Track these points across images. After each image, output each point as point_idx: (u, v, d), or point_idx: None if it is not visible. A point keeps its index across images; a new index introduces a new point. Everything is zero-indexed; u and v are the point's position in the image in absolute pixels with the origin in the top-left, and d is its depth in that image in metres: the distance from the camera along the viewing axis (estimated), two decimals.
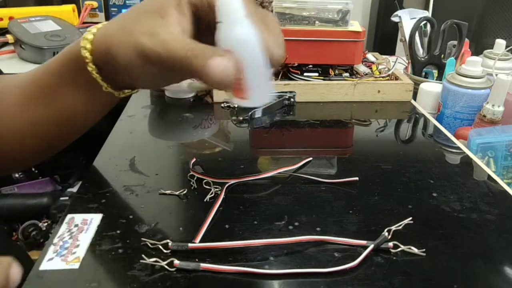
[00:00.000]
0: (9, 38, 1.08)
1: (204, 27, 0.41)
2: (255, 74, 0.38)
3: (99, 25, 0.42)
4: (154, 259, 0.42)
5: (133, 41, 0.37)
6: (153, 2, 0.39)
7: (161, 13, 0.38)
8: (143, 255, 0.42)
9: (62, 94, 0.45)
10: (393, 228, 0.46)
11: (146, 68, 0.38)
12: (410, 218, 0.47)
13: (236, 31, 0.36)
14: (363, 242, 0.46)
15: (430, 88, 0.87)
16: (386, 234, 0.46)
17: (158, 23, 0.37)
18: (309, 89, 0.84)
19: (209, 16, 0.40)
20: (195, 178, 0.57)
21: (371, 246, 0.45)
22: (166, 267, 0.42)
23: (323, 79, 0.86)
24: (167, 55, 0.36)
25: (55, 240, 0.45)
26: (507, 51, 0.91)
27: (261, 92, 0.40)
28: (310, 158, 0.64)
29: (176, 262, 0.42)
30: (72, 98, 0.45)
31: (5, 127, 0.47)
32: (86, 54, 0.40)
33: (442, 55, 0.96)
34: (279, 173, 0.59)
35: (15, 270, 0.29)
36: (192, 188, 0.55)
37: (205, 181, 0.56)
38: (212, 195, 0.54)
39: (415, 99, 0.88)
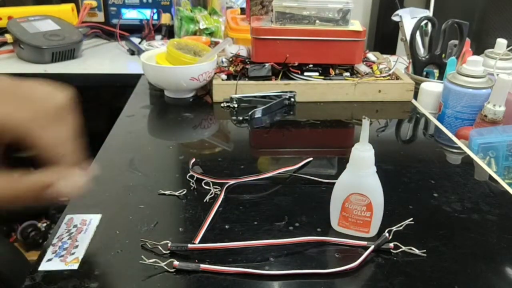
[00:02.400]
0: (8, 37, 1.08)
1: None
2: (378, 213, 0.46)
3: None
4: (153, 259, 0.42)
5: None
6: None
7: None
8: (142, 256, 0.42)
9: None
10: (394, 228, 0.46)
11: None
12: (411, 219, 0.47)
13: (370, 180, 0.45)
14: (364, 243, 0.46)
15: (431, 87, 0.87)
16: (387, 234, 0.45)
17: None
18: (310, 89, 0.84)
19: None
20: (194, 178, 0.57)
21: (372, 247, 0.44)
22: (166, 267, 0.41)
23: (324, 79, 0.86)
24: None
25: (54, 241, 0.45)
26: (508, 50, 0.91)
27: (377, 225, 0.47)
28: (310, 158, 0.63)
29: (176, 263, 0.41)
30: None
31: None
32: None
33: (443, 55, 0.96)
34: (279, 173, 0.58)
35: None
36: (192, 188, 0.55)
37: (204, 181, 0.56)
38: (212, 195, 0.54)
39: (416, 99, 0.88)
